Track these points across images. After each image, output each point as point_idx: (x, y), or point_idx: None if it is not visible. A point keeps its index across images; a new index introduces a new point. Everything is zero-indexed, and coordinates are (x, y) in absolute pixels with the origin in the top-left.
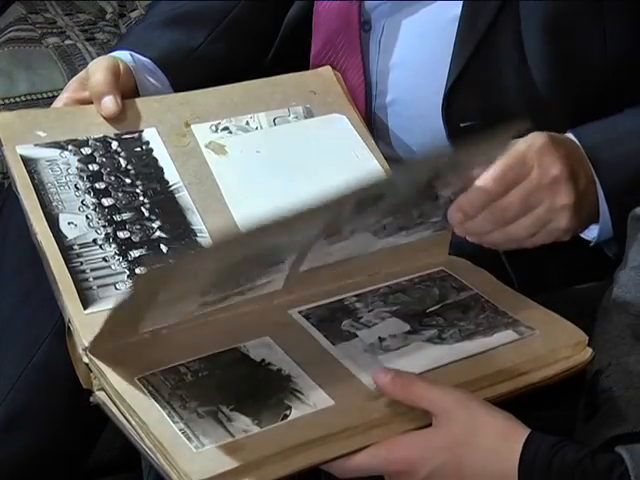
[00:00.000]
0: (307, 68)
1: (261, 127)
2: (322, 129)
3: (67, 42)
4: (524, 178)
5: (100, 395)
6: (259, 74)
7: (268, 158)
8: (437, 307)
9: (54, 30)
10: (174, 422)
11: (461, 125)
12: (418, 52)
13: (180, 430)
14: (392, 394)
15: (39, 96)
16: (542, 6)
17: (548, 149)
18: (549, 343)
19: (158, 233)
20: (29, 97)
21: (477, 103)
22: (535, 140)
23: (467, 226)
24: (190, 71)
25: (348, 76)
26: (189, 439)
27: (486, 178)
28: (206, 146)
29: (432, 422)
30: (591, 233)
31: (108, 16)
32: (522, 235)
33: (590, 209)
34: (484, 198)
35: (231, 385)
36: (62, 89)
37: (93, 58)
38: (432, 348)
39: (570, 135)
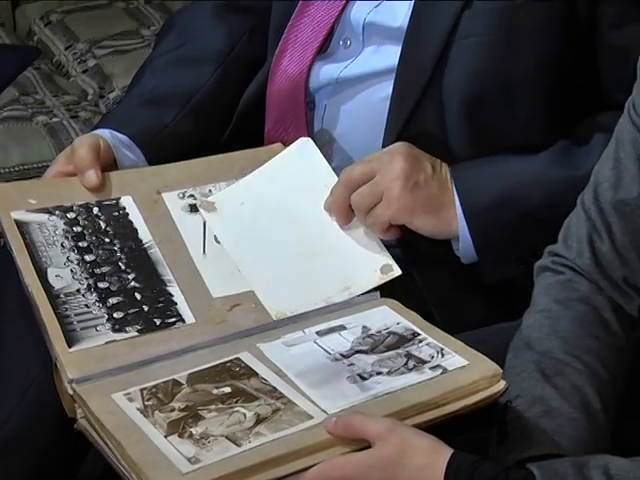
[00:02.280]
0: (261, 143)
1: None
2: (293, 161)
3: (54, 120)
4: (372, 159)
5: (83, 422)
6: (219, 149)
7: (251, 207)
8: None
9: (43, 109)
10: (147, 445)
11: None
12: (355, 128)
13: (153, 451)
14: (337, 434)
15: (30, 167)
16: (460, 91)
17: (401, 144)
18: (468, 376)
19: (133, 283)
20: (21, 167)
21: None
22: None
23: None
24: (161, 147)
25: None
26: (161, 459)
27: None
28: (199, 206)
29: (370, 445)
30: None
31: (90, 97)
32: (366, 203)
33: (438, 210)
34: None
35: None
36: (50, 161)
37: (77, 134)
38: (366, 382)
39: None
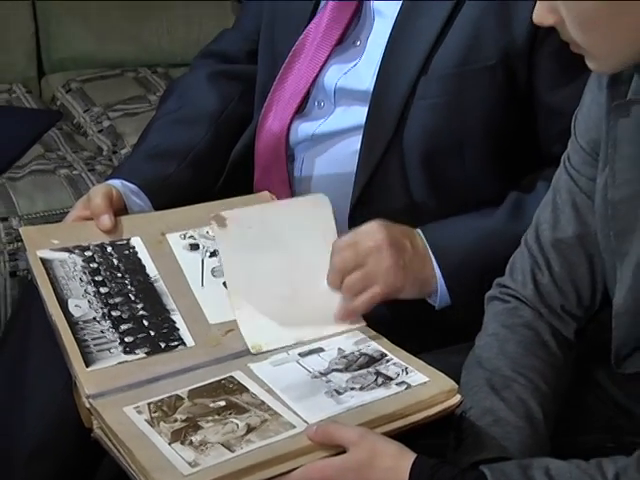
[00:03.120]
0: (251, 191)
1: None
2: (306, 208)
3: (74, 172)
4: (358, 244)
5: (98, 432)
6: (214, 196)
7: (256, 233)
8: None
9: (64, 164)
10: (153, 451)
11: None
12: (328, 178)
13: (158, 456)
14: (317, 440)
15: (53, 212)
16: (418, 146)
17: (376, 225)
18: (428, 391)
19: (141, 312)
20: (46, 213)
21: (373, 217)
22: (370, 222)
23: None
24: (165, 194)
25: (280, 197)
26: (166, 463)
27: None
28: (212, 218)
29: (345, 451)
30: (432, 298)
31: (104, 153)
32: (358, 288)
33: (423, 276)
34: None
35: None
36: (70, 207)
37: (93, 184)
38: (341, 396)
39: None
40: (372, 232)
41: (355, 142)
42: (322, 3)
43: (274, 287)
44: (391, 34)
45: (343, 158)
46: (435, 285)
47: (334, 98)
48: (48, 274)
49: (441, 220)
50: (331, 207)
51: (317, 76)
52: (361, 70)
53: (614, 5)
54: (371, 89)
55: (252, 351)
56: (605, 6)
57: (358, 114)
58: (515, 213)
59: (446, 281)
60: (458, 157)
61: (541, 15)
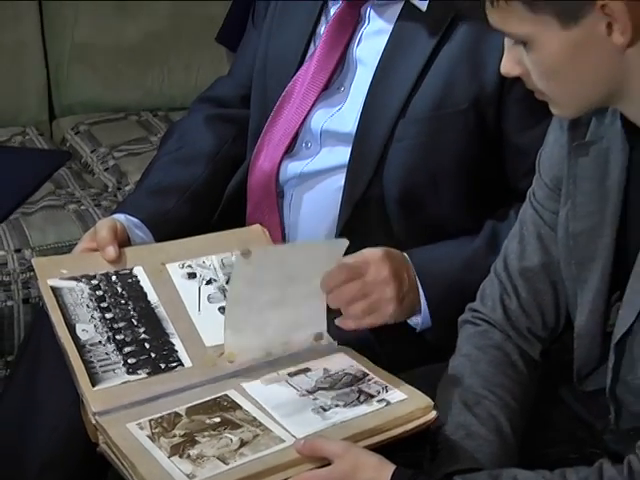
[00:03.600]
0: (244, 224)
1: (214, 266)
2: (322, 252)
3: (82, 208)
4: (364, 274)
5: (103, 446)
6: (210, 229)
7: (272, 272)
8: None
9: (73, 200)
10: (154, 464)
11: None
12: (315, 212)
13: (158, 469)
14: (304, 454)
15: (63, 244)
16: (397, 183)
17: (383, 257)
18: (407, 408)
19: (143, 335)
20: (56, 245)
21: (356, 248)
22: (376, 250)
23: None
24: (165, 227)
25: (271, 230)
26: (165, 476)
27: (336, 269)
28: (240, 251)
29: (330, 463)
30: (415, 321)
31: (109, 189)
32: (359, 314)
33: (412, 303)
34: (333, 283)
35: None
36: (78, 240)
37: (100, 219)
38: (327, 413)
39: (404, 254)
40: (379, 263)
41: (339, 179)
42: (310, 52)
43: (266, 310)
44: (372, 81)
45: (328, 194)
46: (419, 309)
47: (320, 139)
48: (57, 301)
49: (425, 247)
50: (343, 252)
51: (305, 119)
52: (345, 114)
53: (574, 59)
54: (354, 131)
55: (228, 359)
56: (566, 60)
57: (342, 154)
58: (491, 244)
59: (429, 307)
60: (434, 193)
61: (508, 67)
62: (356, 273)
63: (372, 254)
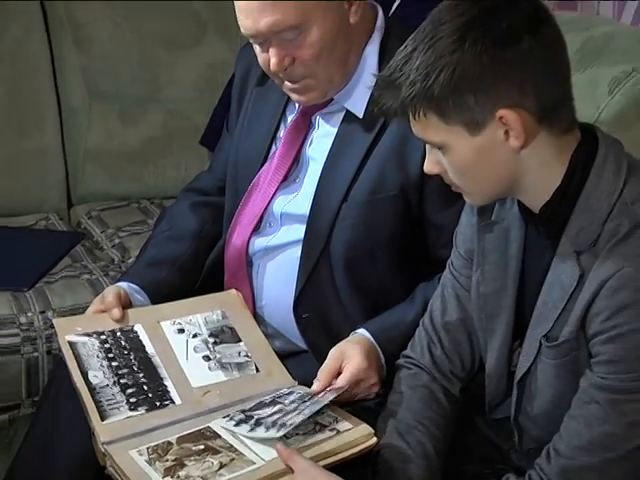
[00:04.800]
0: (221, 289)
1: (198, 323)
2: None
3: (93, 277)
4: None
5: (110, 470)
6: (194, 293)
7: None
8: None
9: (86, 271)
10: None
11: (303, 316)
12: (277, 278)
13: None
14: (282, 457)
15: (78, 307)
16: (341, 254)
17: (364, 364)
18: (352, 435)
19: (142, 379)
20: (72, 307)
21: (311, 307)
22: (360, 361)
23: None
24: (159, 292)
25: (244, 293)
26: None
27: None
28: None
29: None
30: None
31: (115, 262)
32: (352, 396)
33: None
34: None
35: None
36: (90, 304)
37: (107, 286)
38: (289, 440)
39: (362, 330)
40: (364, 372)
41: (296, 252)
42: (272, 152)
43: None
44: (321, 174)
45: (288, 264)
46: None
47: (281, 220)
48: (73, 352)
49: (377, 318)
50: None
51: (268, 204)
52: (300, 200)
53: (480, 160)
54: (307, 213)
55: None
56: (474, 161)
57: (298, 231)
58: (425, 307)
59: (386, 364)
60: (371, 263)
61: (429, 167)
62: (355, 383)
63: (358, 366)
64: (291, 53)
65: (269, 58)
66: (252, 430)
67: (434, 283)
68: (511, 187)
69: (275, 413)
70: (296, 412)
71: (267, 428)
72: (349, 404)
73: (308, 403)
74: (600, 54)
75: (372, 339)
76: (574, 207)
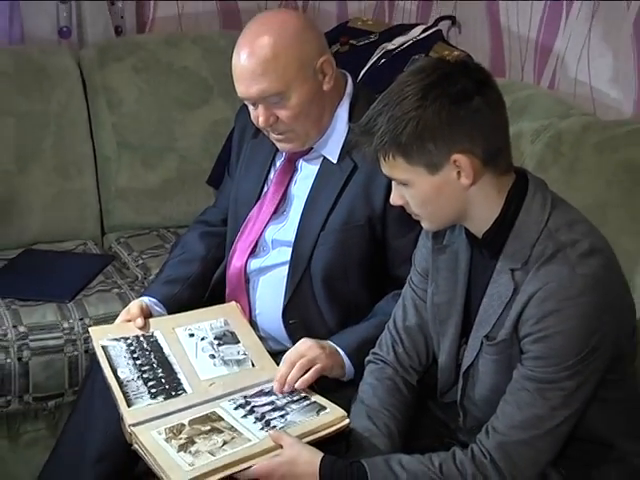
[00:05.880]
0: (224, 302)
1: (205, 329)
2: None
3: (121, 291)
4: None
5: (135, 446)
6: (202, 305)
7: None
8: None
9: (115, 287)
10: (167, 457)
11: (290, 322)
12: (269, 294)
13: (170, 460)
14: (273, 438)
15: (109, 316)
16: (320, 272)
17: (311, 343)
18: (329, 417)
19: (160, 374)
20: (104, 316)
21: (297, 316)
22: (306, 341)
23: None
24: (173, 305)
25: (242, 305)
26: (174, 464)
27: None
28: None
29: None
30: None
31: (139, 279)
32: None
33: (339, 368)
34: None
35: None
36: (119, 314)
37: (132, 299)
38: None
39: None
40: (310, 346)
41: (284, 271)
42: (264, 191)
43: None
44: (304, 208)
45: (277, 281)
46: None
47: (272, 245)
48: (105, 353)
49: (347, 330)
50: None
51: (262, 233)
52: (287, 229)
53: (437, 195)
54: (293, 240)
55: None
56: (432, 196)
57: (286, 254)
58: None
59: (352, 363)
60: (345, 280)
61: (395, 199)
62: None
63: (301, 344)
64: (275, 113)
65: (258, 115)
66: (244, 417)
67: (395, 298)
68: (460, 216)
69: (267, 404)
70: (283, 411)
71: (255, 420)
72: (328, 392)
73: (294, 406)
74: (524, 112)
75: (331, 342)
76: (509, 233)
